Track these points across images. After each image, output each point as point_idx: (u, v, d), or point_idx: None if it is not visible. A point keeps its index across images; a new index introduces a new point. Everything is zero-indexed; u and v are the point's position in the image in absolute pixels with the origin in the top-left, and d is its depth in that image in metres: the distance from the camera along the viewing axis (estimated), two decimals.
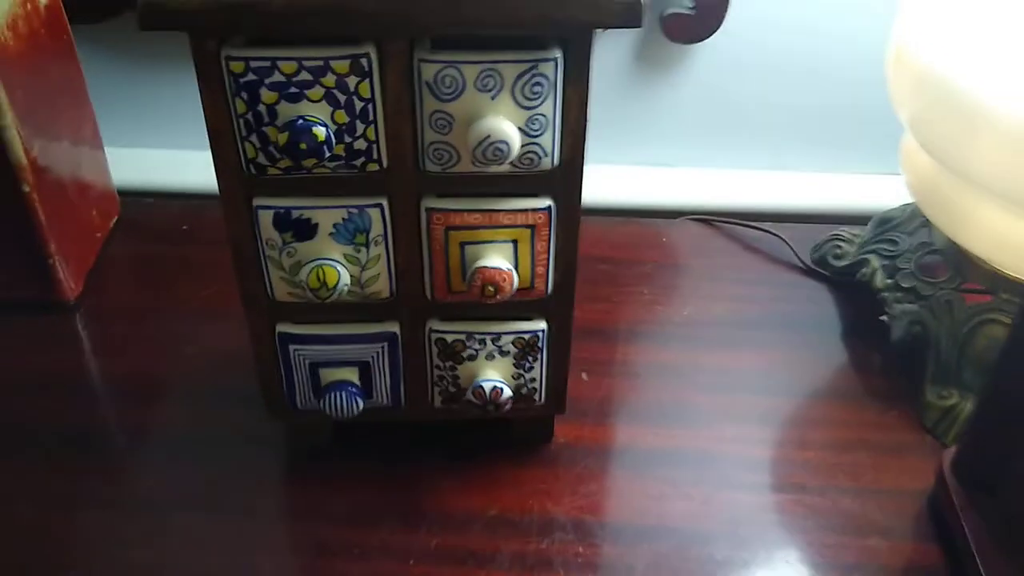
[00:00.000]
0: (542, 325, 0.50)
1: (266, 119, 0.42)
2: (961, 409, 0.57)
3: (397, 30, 0.41)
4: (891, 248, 0.64)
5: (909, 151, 0.61)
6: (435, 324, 0.50)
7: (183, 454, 0.56)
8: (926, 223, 0.63)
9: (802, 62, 0.73)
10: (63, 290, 0.64)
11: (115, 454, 0.57)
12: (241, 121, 0.42)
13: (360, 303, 0.49)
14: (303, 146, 0.41)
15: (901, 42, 0.56)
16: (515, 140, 0.42)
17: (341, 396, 0.50)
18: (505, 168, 0.44)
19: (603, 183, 0.75)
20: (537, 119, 0.43)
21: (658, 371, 0.62)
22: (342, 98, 0.42)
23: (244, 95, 0.41)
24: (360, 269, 0.47)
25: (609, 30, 0.71)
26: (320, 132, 0.41)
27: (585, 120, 0.44)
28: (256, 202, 0.45)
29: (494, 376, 0.51)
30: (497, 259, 0.47)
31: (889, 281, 0.63)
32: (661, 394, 0.61)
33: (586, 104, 0.44)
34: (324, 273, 0.45)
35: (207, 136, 0.44)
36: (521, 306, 0.50)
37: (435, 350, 0.51)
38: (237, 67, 0.41)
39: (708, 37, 0.71)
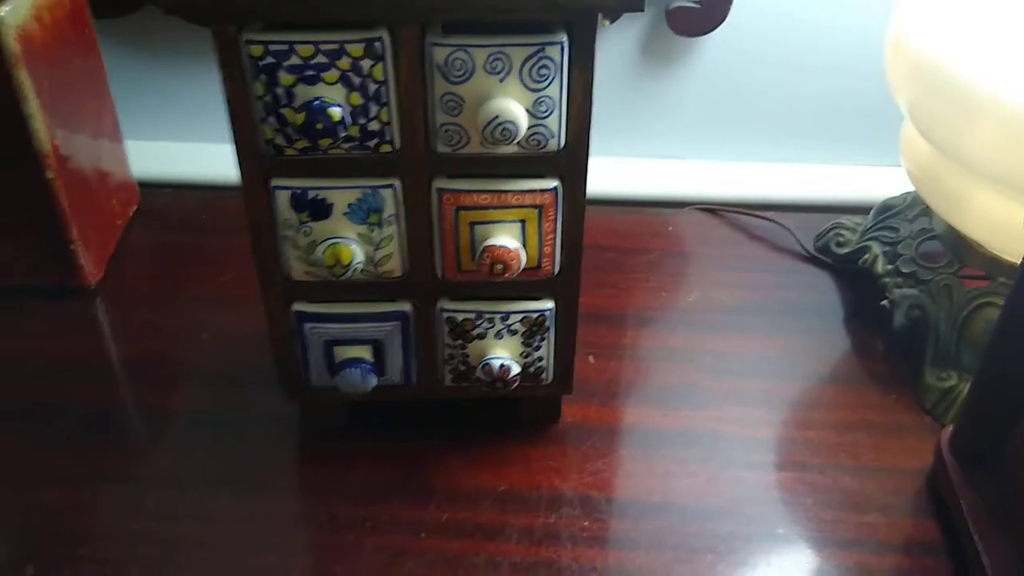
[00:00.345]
0: (549, 304, 0.52)
1: (284, 101, 0.44)
2: (960, 390, 0.59)
3: (409, 15, 0.43)
4: (892, 235, 0.65)
5: (908, 139, 0.62)
6: (445, 303, 0.52)
7: (201, 434, 0.58)
8: (926, 210, 0.65)
9: (805, 55, 0.74)
10: (84, 276, 0.65)
11: (135, 434, 0.59)
12: (260, 103, 0.44)
13: (373, 282, 0.50)
14: (319, 126, 0.43)
15: (899, 30, 0.57)
16: (523, 121, 0.44)
17: (355, 373, 0.52)
18: (513, 149, 0.46)
19: (610, 175, 0.77)
20: (544, 101, 0.45)
21: (664, 355, 0.63)
22: (357, 80, 0.43)
23: (263, 78, 0.43)
24: (373, 248, 0.49)
25: (615, 24, 0.73)
26: (336, 112, 0.43)
27: (590, 102, 0.46)
28: (274, 183, 0.47)
29: (503, 354, 0.52)
30: (505, 238, 0.48)
31: (890, 267, 0.64)
32: (667, 377, 0.62)
33: (591, 87, 0.45)
34: (339, 251, 0.47)
35: (223, 125, 0.46)
36: (529, 285, 0.51)
37: (445, 328, 0.52)
38: (256, 51, 0.42)
39: (713, 30, 0.72)
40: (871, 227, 0.67)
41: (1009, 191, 0.54)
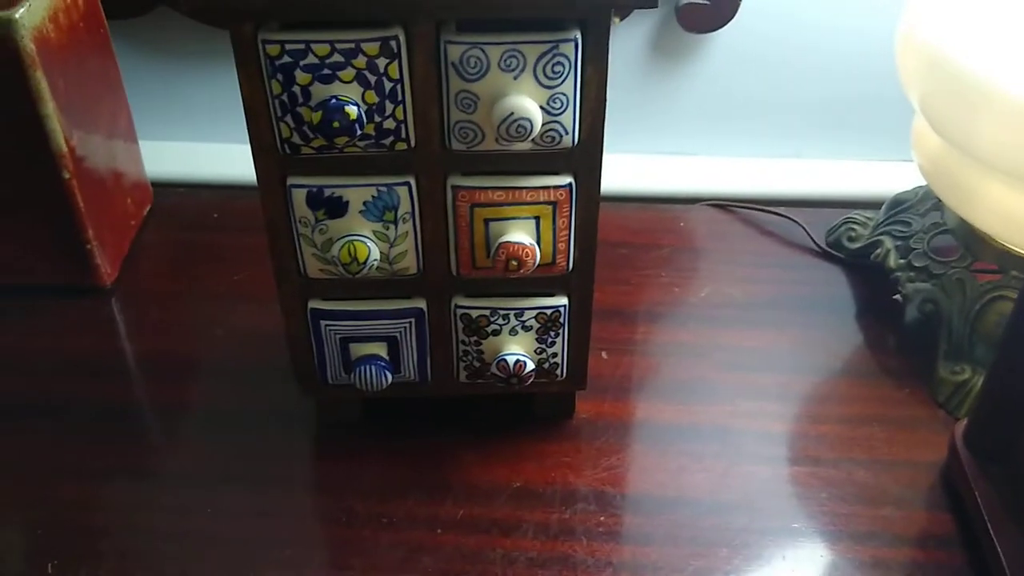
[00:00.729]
0: (563, 300, 0.52)
1: (300, 99, 0.44)
2: (973, 384, 0.59)
3: (424, 13, 0.43)
4: (904, 229, 0.66)
5: (920, 133, 0.62)
6: (460, 300, 0.52)
7: (216, 430, 0.59)
8: (937, 204, 0.65)
9: (815, 50, 0.74)
10: (100, 275, 0.66)
11: (152, 431, 0.59)
12: (276, 102, 0.44)
13: (388, 279, 0.51)
14: (336, 124, 0.43)
15: (910, 24, 0.57)
16: (537, 117, 0.44)
17: (371, 370, 0.52)
18: (527, 146, 0.46)
19: (621, 171, 0.77)
20: (558, 98, 0.45)
21: (676, 350, 0.64)
22: (372, 79, 0.44)
23: (279, 77, 0.43)
24: (389, 245, 0.49)
25: (625, 21, 0.73)
26: (352, 111, 0.43)
27: (604, 99, 0.46)
28: (290, 181, 0.47)
29: (517, 350, 0.53)
30: (520, 235, 0.48)
31: (902, 261, 0.64)
32: (679, 372, 0.62)
33: (604, 83, 0.46)
34: (355, 248, 0.47)
35: (236, 124, 0.46)
36: (543, 282, 0.51)
37: (460, 325, 0.52)
38: (273, 50, 0.43)
39: (723, 27, 0.72)
40: (883, 222, 0.67)
41: (1021, 184, 0.54)
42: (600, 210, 0.50)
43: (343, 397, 0.57)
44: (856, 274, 0.69)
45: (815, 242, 0.71)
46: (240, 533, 0.53)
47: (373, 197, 0.47)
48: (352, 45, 0.43)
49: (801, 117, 0.78)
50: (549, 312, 0.52)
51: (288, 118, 0.45)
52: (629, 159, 0.78)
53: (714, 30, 0.73)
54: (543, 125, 0.45)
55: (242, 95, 0.45)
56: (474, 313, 0.52)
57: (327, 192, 0.47)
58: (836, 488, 0.55)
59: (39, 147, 0.59)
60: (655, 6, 0.42)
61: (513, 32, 0.43)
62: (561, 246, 0.50)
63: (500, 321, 0.52)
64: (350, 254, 0.48)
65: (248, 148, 0.47)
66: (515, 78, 0.44)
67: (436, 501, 0.54)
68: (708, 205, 0.76)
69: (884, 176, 0.77)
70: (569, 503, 0.54)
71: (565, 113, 0.45)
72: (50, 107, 0.58)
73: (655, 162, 0.79)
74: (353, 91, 0.44)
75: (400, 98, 0.45)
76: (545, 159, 0.47)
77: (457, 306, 0.52)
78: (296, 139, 0.45)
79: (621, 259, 0.70)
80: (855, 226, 0.70)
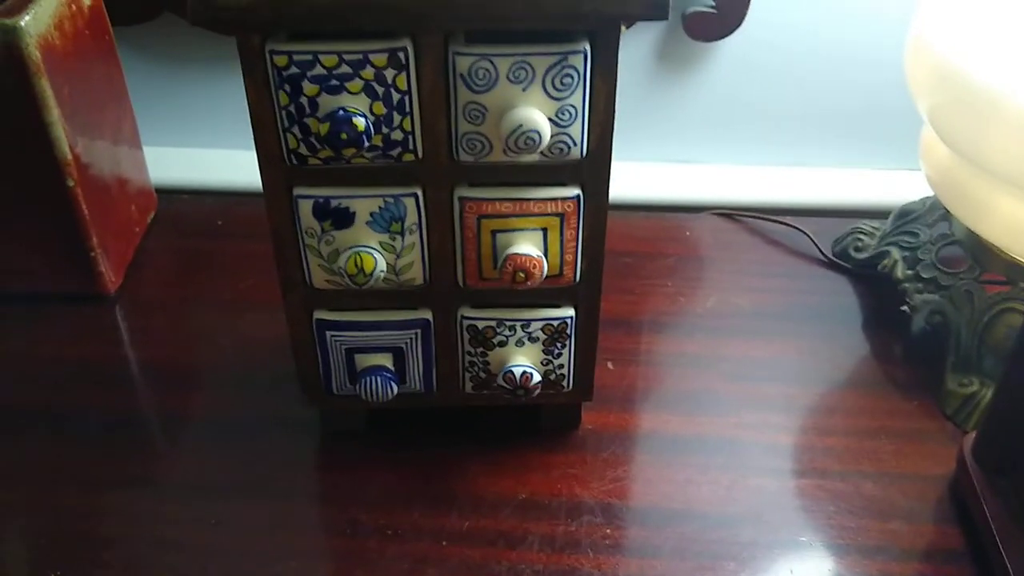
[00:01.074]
0: (570, 312, 0.52)
1: (308, 111, 0.44)
2: (982, 396, 0.58)
3: (433, 25, 0.43)
4: (911, 240, 0.65)
5: (928, 143, 0.62)
6: (466, 311, 0.52)
7: (220, 439, 0.58)
8: (946, 215, 0.64)
9: (822, 59, 0.74)
10: (104, 283, 0.66)
11: (154, 439, 0.59)
12: (283, 113, 0.44)
13: (394, 290, 0.50)
14: (344, 136, 0.43)
15: (919, 34, 0.57)
16: (546, 129, 0.44)
17: (376, 381, 0.52)
18: (535, 158, 0.46)
19: (627, 179, 0.76)
20: (567, 110, 0.45)
21: (682, 360, 0.63)
22: (380, 90, 0.44)
23: (287, 88, 0.43)
24: (395, 257, 0.49)
25: (632, 29, 0.73)
26: (360, 122, 0.43)
27: (613, 110, 0.46)
28: (296, 191, 0.47)
29: (524, 362, 0.52)
30: (527, 246, 0.48)
31: (910, 272, 0.64)
32: (685, 383, 0.62)
33: (613, 95, 0.45)
34: (362, 260, 0.47)
35: (239, 130, 0.46)
36: (550, 293, 0.51)
37: (466, 336, 0.52)
38: (280, 61, 0.43)
39: (729, 35, 0.72)
40: (890, 232, 0.67)
41: None
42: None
43: (348, 407, 0.57)
44: (863, 284, 0.69)
45: (822, 252, 0.71)
46: (244, 544, 0.53)
47: (380, 208, 0.47)
48: (360, 56, 0.43)
49: (807, 125, 0.78)
50: (556, 323, 0.52)
51: (295, 129, 0.44)
52: (635, 167, 0.78)
53: (721, 38, 0.72)
54: (551, 137, 0.45)
55: (249, 105, 0.45)
56: (480, 324, 0.52)
57: (334, 203, 0.47)
58: (844, 501, 0.55)
59: (43, 154, 0.59)
60: (665, 18, 0.42)
61: (522, 44, 0.43)
62: (568, 257, 0.50)
63: (506, 332, 0.52)
64: (357, 265, 0.47)
65: (252, 154, 0.46)
66: (524, 90, 0.44)
67: (441, 512, 0.54)
68: (714, 214, 0.75)
69: (891, 185, 0.77)
70: (575, 515, 0.54)
71: (574, 125, 0.45)
72: (55, 114, 0.58)
73: (661, 170, 0.79)
74: (361, 102, 0.44)
75: (408, 109, 0.44)
76: (553, 171, 0.47)
77: (463, 317, 0.52)
78: (303, 150, 0.45)
79: (626, 268, 0.70)
80: (862, 236, 0.69)
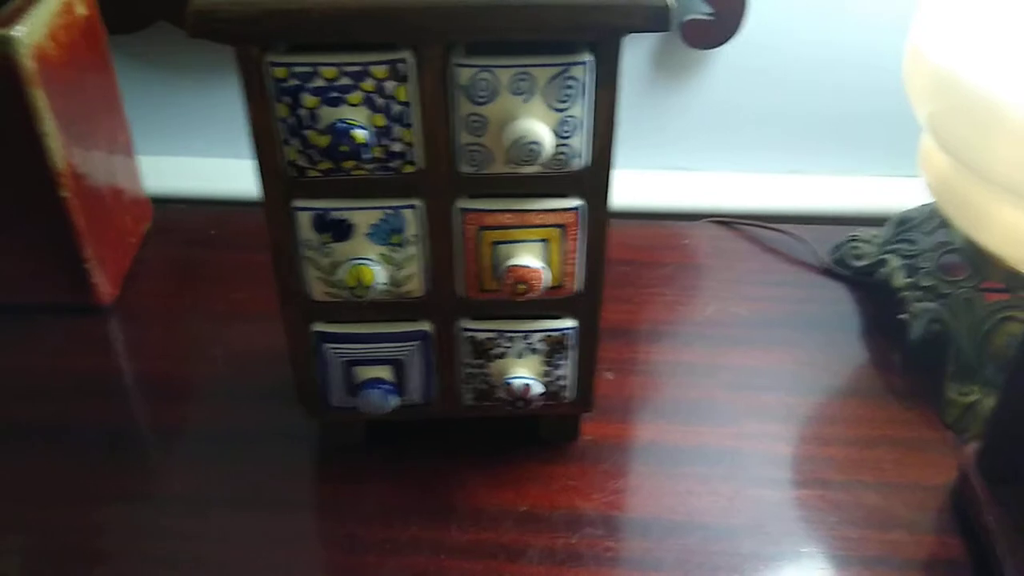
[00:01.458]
0: (571, 323, 0.52)
1: (307, 122, 0.43)
2: (982, 405, 0.58)
3: (433, 36, 0.42)
4: (910, 248, 0.65)
5: (927, 151, 0.62)
6: (466, 323, 0.51)
7: (217, 451, 0.58)
8: (944, 223, 0.64)
9: (819, 66, 0.74)
10: (99, 294, 0.65)
11: (150, 452, 0.59)
12: (283, 125, 0.44)
13: (394, 302, 0.50)
14: (344, 148, 0.43)
15: (918, 42, 0.57)
16: (548, 141, 0.44)
17: (376, 394, 0.51)
18: (536, 169, 0.45)
19: (624, 187, 0.76)
20: (568, 121, 0.44)
21: (681, 370, 0.63)
22: (380, 102, 0.43)
23: (286, 99, 0.43)
24: (395, 268, 0.48)
25: (628, 36, 0.73)
26: (360, 134, 0.43)
27: (614, 121, 0.46)
28: (295, 203, 0.46)
29: (524, 373, 0.52)
30: (528, 258, 0.48)
31: (909, 280, 0.64)
32: (685, 392, 0.62)
33: (615, 106, 0.45)
34: (361, 272, 0.47)
35: (235, 139, 0.46)
36: (550, 304, 0.51)
37: (466, 348, 0.52)
38: (280, 73, 0.42)
39: (726, 42, 0.72)
40: (889, 239, 0.67)
41: None
42: None
43: (346, 420, 0.56)
44: (861, 292, 0.69)
45: (820, 260, 0.71)
46: (241, 558, 0.52)
47: (380, 220, 0.47)
48: (360, 68, 0.42)
49: (805, 133, 0.77)
50: (556, 335, 0.51)
51: (295, 141, 0.44)
52: (632, 175, 0.78)
53: (718, 46, 0.72)
54: (553, 148, 0.44)
55: (248, 117, 0.44)
56: (480, 336, 0.51)
57: (333, 215, 0.47)
58: (845, 512, 0.54)
59: (38, 165, 0.58)
60: (667, 29, 0.42)
61: (523, 55, 0.43)
62: (569, 269, 0.49)
63: (506, 344, 0.51)
64: (356, 278, 0.47)
65: (247, 163, 0.46)
66: (525, 101, 0.43)
67: (441, 525, 0.54)
68: (711, 222, 0.75)
69: (889, 192, 0.77)
70: (575, 527, 0.54)
71: (575, 136, 0.45)
72: (49, 125, 0.57)
73: (658, 178, 0.79)
74: (361, 114, 0.43)
75: (408, 121, 0.44)
76: (554, 182, 0.47)
77: (463, 329, 0.51)
78: (302, 162, 0.45)
79: (624, 277, 0.70)
80: (860, 244, 0.69)
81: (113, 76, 0.66)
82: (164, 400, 0.61)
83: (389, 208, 0.47)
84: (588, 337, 0.52)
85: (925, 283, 0.62)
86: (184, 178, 0.77)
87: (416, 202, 0.47)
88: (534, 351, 0.52)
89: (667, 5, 0.41)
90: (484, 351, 0.52)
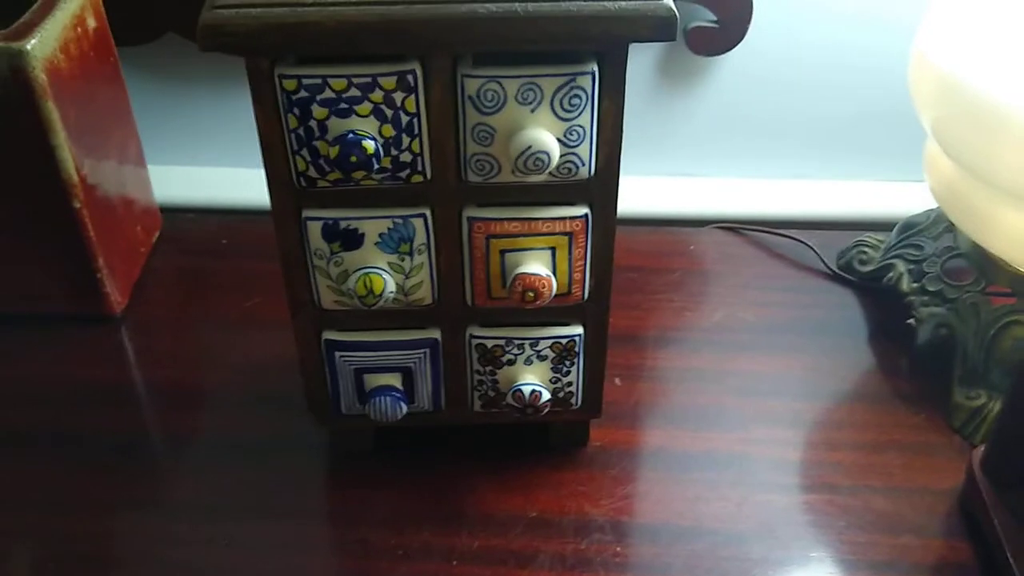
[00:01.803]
0: (579, 330, 0.52)
1: (317, 134, 0.44)
2: (989, 409, 0.58)
3: (441, 48, 0.43)
4: (916, 253, 0.65)
5: (932, 156, 0.62)
6: (475, 330, 0.52)
7: (228, 459, 0.58)
8: (950, 227, 0.65)
9: (824, 72, 0.74)
10: (110, 303, 0.66)
11: (161, 459, 0.59)
12: (293, 136, 0.44)
13: (403, 310, 0.50)
14: (353, 159, 0.43)
15: (923, 48, 0.57)
16: (555, 150, 0.44)
17: (386, 401, 0.52)
18: (544, 177, 0.46)
19: (630, 193, 0.76)
20: (575, 130, 0.45)
21: (689, 376, 0.63)
22: (389, 113, 0.44)
23: (296, 111, 0.43)
24: (404, 277, 0.49)
25: (634, 44, 0.73)
26: (369, 145, 0.43)
27: (620, 130, 0.46)
28: (305, 213, 0.47)
29: (532, 380, 0.52)
30: (536, 265, 0.48)
31: (915, 285, 0.64)
32: (693, 398, 0.62)
33: (621, 114, 0.45)
34: (371, 281, 0.47)
35: (243, 149, 0.46)
36: (558, 311, 0.51)
37: (475, 355, 0.52)
38: (290, 85, 0.43)
39: (731, 49, 0.72)
40: (895, 245, 0.67)
41: None
42: None
43: (356, 427, 0.57)
44: (868, 297, 0.69)
45: (826, 265, 0.71)
46: (253, 565, 0.53)
47: (389, 229, 0.47)
48: (369, 79, 0.43)
49: (810, 138, 0.78)
50: (564, 341, 0.52)
51: (304, 152, 0.45)
52: (638, 181, 0.78)
53: (723, 53, 0.73)
54: (560, 157, 0.45)
55: (258, 128, 0.45)
56: (489, 343, 0.52)
57: (342, 224, 0.47)
58: (854, 516, 0.55)
59: (50, 177, 0.59)
60: (673, 39, 0.42)
61: (530, 65, 0.43)
62: (577, 276, 0.50)
63: (515, 351, 0.52)
64: (366, 286, 0.47)
65: (256, 172, 0.46)
66: (532, 111, 0.44)
67: (451, 531, 0.54)
68: (718, 228, 0.75)
69: (895, 197, 0.77)
70: (585, 533, 0.54)
71: (582, 145, 0.45)
72: (61, 137, 0.58)
73: (664, 184, 0.79)
74: (370, 125, 0.44)
75: (417, 131, 0.44)
76: (561, 190, 0.47)
77: (472, 336, 0.52)
78: (312, 172, 0.45)
79: (631, 283, 0.70)
80: (866, 249, 0.70)
81: (123, 87, 0.66)
82: (174, 408, 0.62)
83: (398, 217, 0.47)
84: (596, 343, 0.53)
85: (931, 288, 0.63)
86: (193, 187, 0.78)
87: (425, 211, 0.47)
88: (542, 358, 0.52)
89: (673, 15, 0.41)
90: (493, 358, 0.52)
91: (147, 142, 0.71)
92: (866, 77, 0.74)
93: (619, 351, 0.64)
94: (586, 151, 0.46)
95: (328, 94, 0.43)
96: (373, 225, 0.47)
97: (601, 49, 0.43)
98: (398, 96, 0.43)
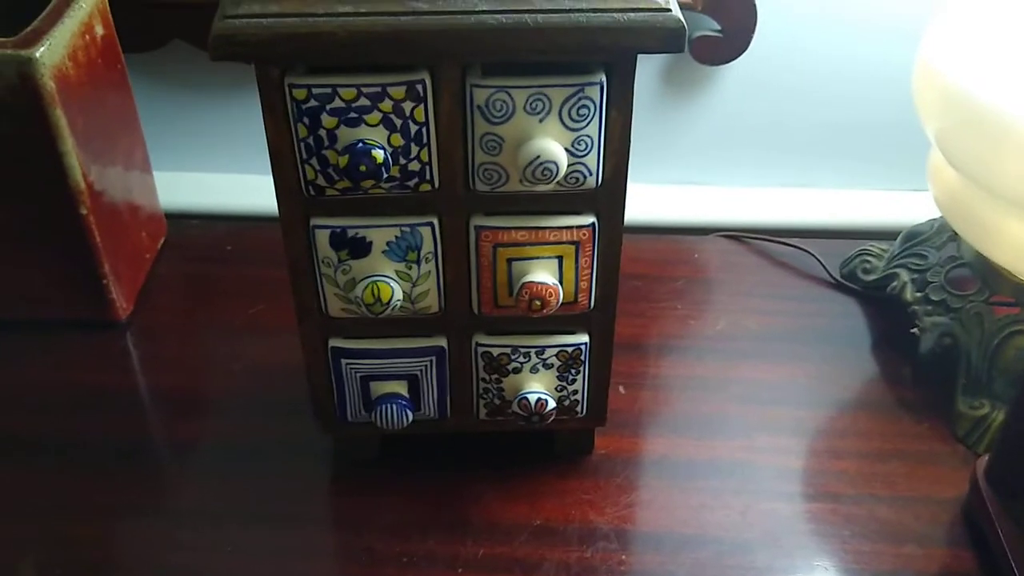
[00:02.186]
0: (584, 338, 0.52)
1: (326, 143, 0.44)
2: (993, 419, 0.59)
3: (450, 58, 0.43)
4: (920, 262, 0.66)
5: (936, 166, 0.62)
6: (481, 338, 0.52)
7: (233, 466, 0.58)
8: (954, 237, 0.65)
9: (828, 81, 0.74)
10: (115, 309, 0.66)
11: (166, 466, 0.59)
12: (302, 145, 0.44)
13: (410, 318, 0.51)
14: (363, 168, 0.43)
15: (927, 58, 0.58)
16: (563, 160, 0.44)
17: (392, 409, 0.52)
18: (551, 187, 0.46)
19: (634, 201, 0.77)
20: (583, 140, 0.45)
21: (693, 384, 0.63)
22: (398, 122, 0.44)
23: (306, 120, 0.43)
24: (411, 285, 0.49)
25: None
26: (379, 155, 0.43)
27: (628, 140, 0.46)
28: (313, 222, 0.47)
29: (538, 388, 0.52)
30: (543, 274, 0.48)
31: (919, 294, 0.64)
32: (697, 406, 0.62)
33: (628, 125, 0.46)
34: (379, 289, 0.47)
35: (251, 156, 0.46)
36: (564, 320, 0.51)
37: (481, 363, 0.52)
38: (300, 94, 0.43)
39: (735, 58, 0.73)
40: (898, 254, 0.67)
41: None
42: None
43: (362, 434, 0.57)
44: (871, 306, 0.69)
45: (829, 274, 0.71)
46: (257, 571, 0.53)
47: (396, 237, 0.47)
48: (379, 89, 0.43)
49: (813, 147, 0.78)
50: (570, 350, 0.52)
51: (314, 161, 0.45)
52: (642, 189, 0.78)
53: (727, 62, 0.73)
54: (567, 167, 0.45)
55: (267, 137, 0.45)
56: (495, 351, 0.52)
57: (350, 233, 0.47)
58: (858, 525, 0.55)
59: (57, 183, 0.59)
60: (681, 51, 0.42)
61: (539, 76, 0.43)
62: (583, 285, 0.50)
63: (521, 359, 0.52)
64: (374, 295, 0.48)
65: (261, 179, 0.47)
66: (540, 121, 0.44)
67: (456, 539, 0.54)
68: (721, 236, 0.76)
69: (898, 206, 0.77)
70: (590, 541, 0.54)
71: (589, 155, 0.45)
72: (69, 144, 0.58)
73: (668, 192, 0.79)
74: (379, 134, 0.44)
75: (425, 141, 0.45)
76: (568, 199, 0.47)
77: (478, 344, 0.52)
78: (321, 181, 0.45)
79: (635, 291, 0.70)
80: (870, 258, 0.70)
81: (130, 94, 0.67)
82: (179, 414, 0.62)
83: (406, 226, 0.47)
84: (601, 352, 0.53)
85: (935, 297, 0.63)
86: (198, 194, 0.78)
87: (432, 220, 0.47)
88: (548, 366, 0.52)
89: (682, 27, 0.42)
90: (499, 366, 0.52)
91: (152, 148, 0.71)
92: (870, 85, 0.74)
93: (623, 359, 0.64)
94: (593, 161, 0.46)
95: (338, 103, 0.43)
96: (381, 233, 0.47)
97: (609, 60, 0.44)
98: (407, 106, 0.44)
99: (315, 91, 0.43)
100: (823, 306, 0.69)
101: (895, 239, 0.69)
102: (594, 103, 0.44)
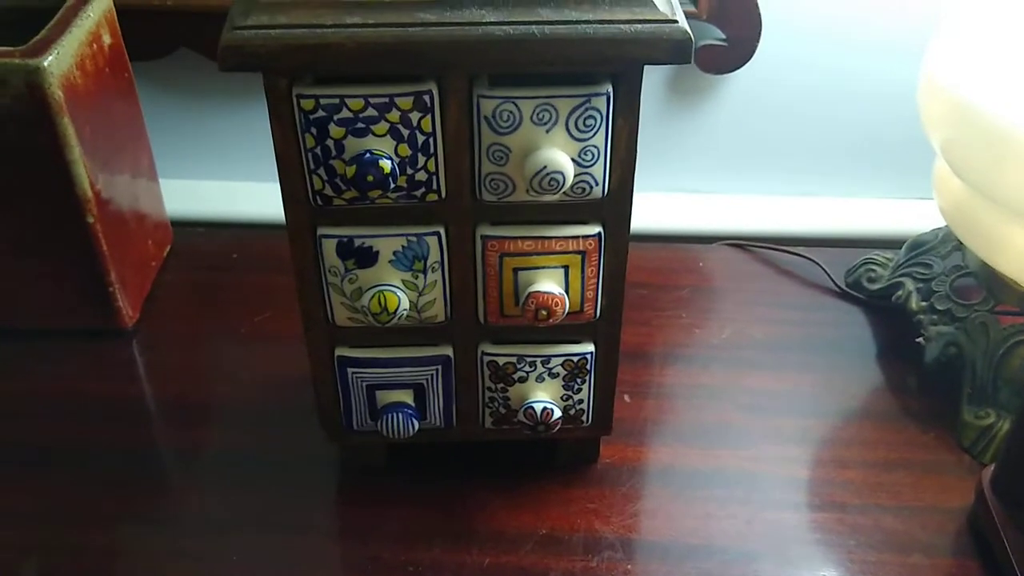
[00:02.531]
0: (590, 348, 0.52)
1: (334, 153, 0.44)
2: (999, 428, 0.58)
3: (458, 69, 0.43)
4: (925, 271, 0.66)
5: (941, 176, 0.62)
6: (487, 347, 0.52)
7: (239, 474, 0.58)
8: (959, 246, 0.65)
9: (833, 89, 0.75)
10: (121, 317, 0.66)
11: (172, 474, 0.59)
12: (310, 155, 0.44)
13: (416, 327, 0.51)
14: (370, 178, 0.43)
15: (933, 69, 0.58)
16: (569, 171, 0.44)
17: (398, 418, 0.52)
18: (557, 197, 0.46)
19: (639, 210, 0.77)
20: (589, 150, 0.45)
21: (698, 393, 0.63)
22: (405, 132, 0.44)
23: (313, 130, 0.44)
24: (418, 294, 0.49)
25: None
26: (386, 165, 0.43)
27: (634, 150, 0.46)
28: (320, 231, 0.47)
29: (544, 397, 0.52)
30: (549, 284, 0.48)
31: (924, 304, 0.64)
32: (702, 415, 0.62)
33: (635, 135, 0.46)
34: (385, 298, 0.48)
35: (256, 164, 0.46)
36: (570, 329, 0.51)
37: (487, 372, 0.52)
38: (308, 104, 0.43)
39: (740, 67, 0.73)
40: (903, 263, 0.67)
41: None
42: None
43: (368, 443, 0.57)
44: (877, 315, 0.69)
45: (834, 283, 0.71)
46: None
47: (403, 247, 0.48)
48: (386, 99, 0.43)
49: (818, 156, 0.78)
50: (576, 359, 0.52)
51: (321, 171, 0.45)
52: (647, 198, 0.78)
53: (732, 71, 0.73)
54: (574, 177, 0.45)
55: (275, 147, 0.45)
56: (501, 360, 0.52)
57: (357, 242, 0.47)
58: (864, 535, 0.55)
59: (65, 192, 0.59)
60: (688, 62, 0.42)
61: (546, 86, 0.43)
62: (589, 294, 0.50)
63: (527, 368, 0.52)
64: (380, 304, 0.48)
65: (267, 187, 0.47)
66: (547, 131, 0.44)
67: (462, 548, 0.54)
68: (726, 245, 0.76)
69: (903, 215, 0.77)
70: (595, 550, 0.54)
71: (596, 165, 0.46)
72: (76, 152, 0.58)
73: (673, 201, 0.79)
74: (386, 144, 0.44)
75: (432, 151, 0.45)
76: (574, 209, 0.48)
77: (484, 353, 0.52)
78: (328, 191, 0.46)
79: (641, 300, 0.70)
80: (875, 267, 0.70)
81: (137, 103, 0.67)
82: (185, 423, 0.62)
83: (412, 235, 0.47)
84: (607, 361, 0.53)
85: (940, 306, 0.63)
86: (204, 202, 0.78)
87: (439, 229, 0.48)
88: (554, 375, 0.52)
89: (689, 39, 0.42)
90: (505, 375, 0.52)
91: (158, 156, 0.71)
92: (876, 95, 0.74)
93: (628, 368, 0.64)
94: (600, 171, 0.46)
95: (345, 114, 0.43)
96: (387, 243, 0.47)
97: (616, 71, 0.44)
98: (415, 116, 0.44)
99: (323, 101, 0.43)
100: (828, 315, 0.69)
101: (900, 248, 0.69)
102: (600, 113, 0.44)
